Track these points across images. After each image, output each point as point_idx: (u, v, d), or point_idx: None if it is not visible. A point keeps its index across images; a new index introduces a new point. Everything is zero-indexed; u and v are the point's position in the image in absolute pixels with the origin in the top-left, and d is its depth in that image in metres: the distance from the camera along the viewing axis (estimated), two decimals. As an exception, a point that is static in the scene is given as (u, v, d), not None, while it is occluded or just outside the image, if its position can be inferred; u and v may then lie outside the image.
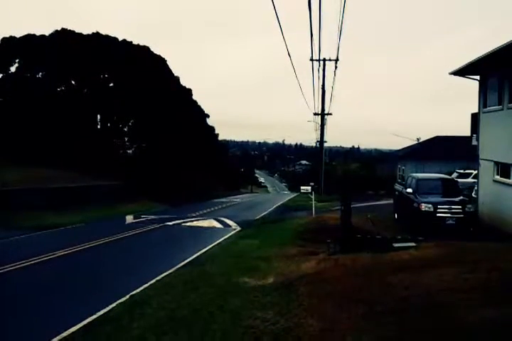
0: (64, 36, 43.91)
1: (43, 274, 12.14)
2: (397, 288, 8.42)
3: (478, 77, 19.89)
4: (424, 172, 29.05)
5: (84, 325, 7.88)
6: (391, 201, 23.50)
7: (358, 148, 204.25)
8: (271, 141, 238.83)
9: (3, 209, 22.64)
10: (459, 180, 24.81)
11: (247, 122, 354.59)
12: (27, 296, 9.92)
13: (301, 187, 27.64)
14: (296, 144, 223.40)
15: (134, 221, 24.72)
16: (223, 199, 45.92)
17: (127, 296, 9.53)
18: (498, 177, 17.92)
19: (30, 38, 44.30)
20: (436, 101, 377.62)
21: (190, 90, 54.34)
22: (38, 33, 44.92)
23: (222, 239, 17.90)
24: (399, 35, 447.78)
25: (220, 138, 78.17)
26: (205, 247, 15.69)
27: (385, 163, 61.48)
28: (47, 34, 44.72)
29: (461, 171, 29.77)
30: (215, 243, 16.78)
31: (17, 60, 44.36)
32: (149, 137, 46.67)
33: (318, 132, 44.44)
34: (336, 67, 35.02)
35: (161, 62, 48.95)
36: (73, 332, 7.56)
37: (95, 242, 16.66)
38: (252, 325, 7.37)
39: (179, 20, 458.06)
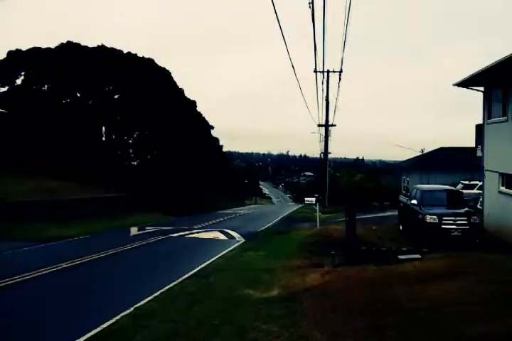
0: (69, 49, 44.38)
1: (48, 287, 12.12)
2: (402, 301, 8.37)
3: (482, 88, 19.90)
4: (428, 183, 28.98)
5: (88, 338, 7.84)
6: (396, 212, 23.41)
7: (363, 159, 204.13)
8: (275, 152, 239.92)
9: (5, 221, 22.59)
10: (464, 191, 24.68)
11: (251, 134, 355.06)
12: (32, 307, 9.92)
13: (306, 199, 27.46)
14: (301, 155, 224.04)
15: (139, 233, 24.67)
16: (228, 211, 45.84)
17: (131, 308, 9.50)
18: (503, 189, 17.84)
19: (36, 50, 44.84)
20: (440, 112, 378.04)
21: (194, 102, 54.67)
22: (44, 46, 45.58)
23: (227, 250, 17.83)
24: (403, 46, 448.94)
25: (225, 149, 78.48)
26: (209, 259, 15.61)
27: (389, 174, 61.45)
28: (53, 47, 45.25)
29: (466, 182, 29.64)
30: (220, 255, 16.71)
31: (23, 73, 44.86)
32: (154, 149, 46.89)
33: (323, 143, 44.53)
34: (339, 79, 34.98)
35: (165, 74, 49.31)
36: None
37: (98, 254, 16.59)
38: (256, 338, 7.33)
39: (183, 34, 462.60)
